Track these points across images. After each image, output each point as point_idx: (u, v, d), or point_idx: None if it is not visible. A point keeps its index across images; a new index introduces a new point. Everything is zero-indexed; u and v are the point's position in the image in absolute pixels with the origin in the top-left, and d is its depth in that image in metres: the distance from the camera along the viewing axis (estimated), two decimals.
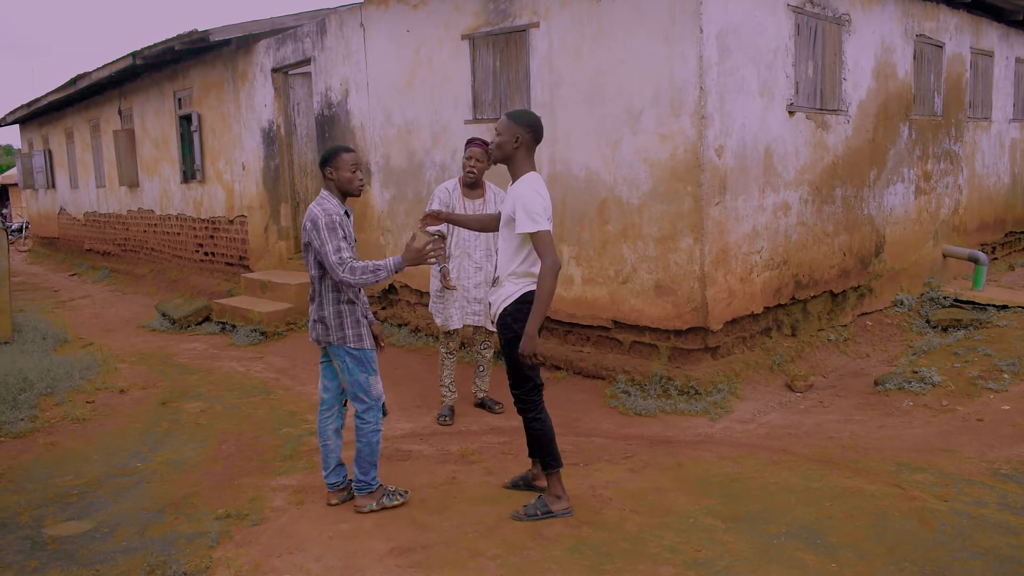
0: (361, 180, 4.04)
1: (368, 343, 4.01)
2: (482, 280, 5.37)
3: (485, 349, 5.66)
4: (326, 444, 4.14)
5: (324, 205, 3.93)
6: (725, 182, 5.66)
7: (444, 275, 5.33)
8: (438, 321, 5.46)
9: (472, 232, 5.28)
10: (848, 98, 6.96)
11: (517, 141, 3.77)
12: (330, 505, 4.14)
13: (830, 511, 3.82)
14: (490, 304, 3.93)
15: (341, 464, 4.18)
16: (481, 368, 5.70)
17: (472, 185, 5.33)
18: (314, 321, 4.00)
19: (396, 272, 3.86)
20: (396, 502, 4.08)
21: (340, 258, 3.80)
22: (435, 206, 5.30)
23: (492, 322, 3.94)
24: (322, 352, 4.13)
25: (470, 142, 5.30)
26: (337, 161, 3.96)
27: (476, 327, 5.57)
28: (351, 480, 4.14)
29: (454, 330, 5.47)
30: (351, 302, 3.99)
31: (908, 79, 7.86)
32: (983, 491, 3.98)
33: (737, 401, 5.61)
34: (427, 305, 7.85)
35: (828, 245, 6.83)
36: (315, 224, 3.85)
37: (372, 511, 4.02)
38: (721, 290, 5.72)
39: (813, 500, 3.95)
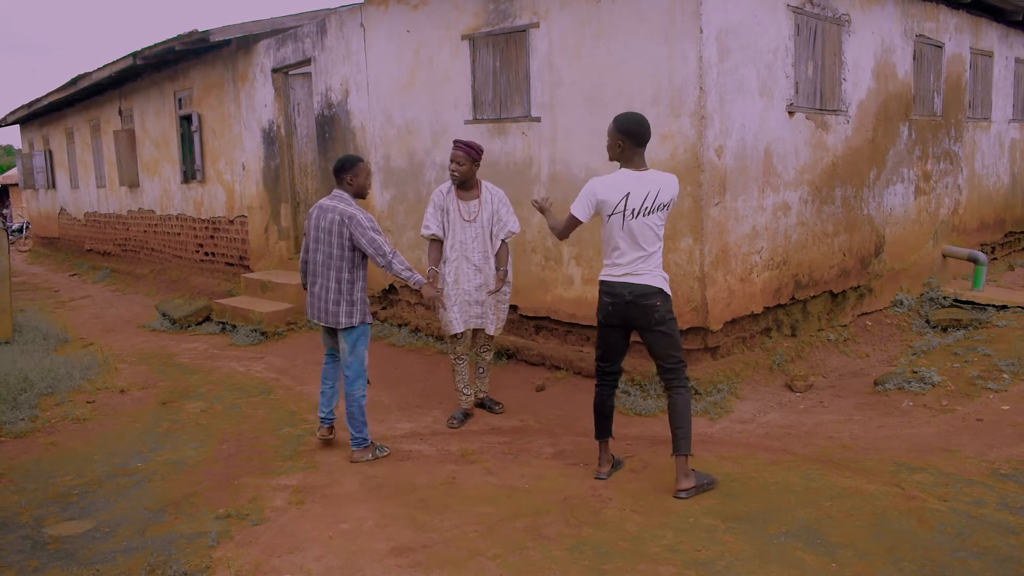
0: (370, 184, 4.96)
1: None
2: (481, 283, 5.31)
3: (485, 352, 5.63)
4: (333, 387, 5.02)
5: (353, 205, 4.71)
6: (725, 182, 5.66)
7: (433, 278, 5.27)
8: (441, 326, 5.45)
9: (469, 235, 5.26)
10: (848, 98, 6.96)
11: (620, 146, 4.10)
12: (322, 438, 4.98)
13: (830, 511, 3.82)
14: (639, 285, 4.08)
15: (333, 409, 5.05)
16: (481, 370, 5.69)
17: (465, 187, 5.28)
18: (350, 304, 4.72)
19: (411, 285, 4.81)
20: (385, 453, 4.84)
21: (391, 249, 4.73)
22: (430, 210, 5.31)
23: (643, 303, 4.08)
24: (327, 331, 4.93)
25: (454, 145, 5.26)
26: (357, 169, 4.76)
27: (476, 329, 5.51)
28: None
29: (458, 334, 5.41)
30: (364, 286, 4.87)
31: (908, 79, 7.87)
32: (982, 491, 3.99)
33: (737, 401, 5.61)
34: (427, 306, 7.86)
35: (828, 245, 6.84)
36: (357, 222, 4.63)
37: (368, 461, 4.75)
38: (721, 290, 5.72)
39: (813, 500, 3.95)
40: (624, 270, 4.08)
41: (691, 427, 4.12)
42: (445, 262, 5.30)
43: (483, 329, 5.46)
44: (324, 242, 4.68)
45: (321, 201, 4.77)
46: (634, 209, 4.00)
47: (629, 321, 4.17)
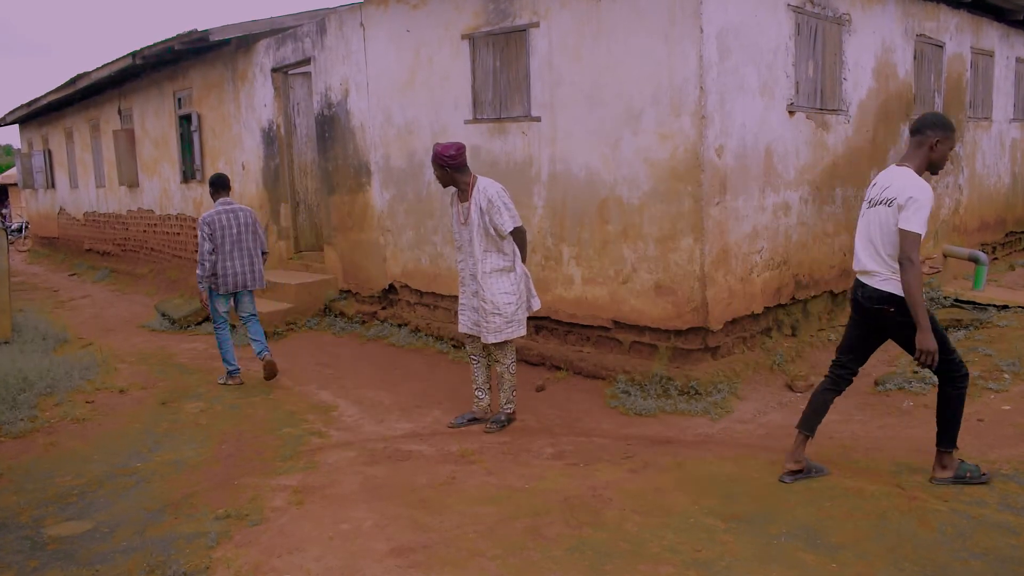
0: None
1: None
2: (475, 290, 5.13)
3: (494, 362, 5.33)
4: (231, 342, 6.70)
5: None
6: (725, 182, 5.65)
7: None
8: None
9: (465, 238, 5.10)
10: (848, 98, 6.96)
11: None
12: (238, 384, 6.58)
13: (830, 511, 3.81)
14: (869, 287, 3.89)
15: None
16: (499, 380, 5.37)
17: (459, 188, 5.10)
18: (259, 273, 6.69)
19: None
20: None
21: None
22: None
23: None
24: (232, 297, 6.65)
25: None
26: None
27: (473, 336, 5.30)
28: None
29: (465, 335, 5.33)
30: None
31: (908, 79, 7.86)
32: (983, 491, 3.98)
33: (737, 401, 5.60)
34: (427, 306, 7.85)
35: (828, 245, 6.83)
36: (256, 221, 6.74)
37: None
38: (721, 290, 5.71)
39: (813, 500, 3.95)
40: (857, 265, 3.96)
41: (956, 422, 3.97)
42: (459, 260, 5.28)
43: (477, 336, 5.24)
44: (247, 232, 6.55)
45: (219, 209, 6.50)
46: (871, 199, 3.90)
47: (869, 320, 3.99)
